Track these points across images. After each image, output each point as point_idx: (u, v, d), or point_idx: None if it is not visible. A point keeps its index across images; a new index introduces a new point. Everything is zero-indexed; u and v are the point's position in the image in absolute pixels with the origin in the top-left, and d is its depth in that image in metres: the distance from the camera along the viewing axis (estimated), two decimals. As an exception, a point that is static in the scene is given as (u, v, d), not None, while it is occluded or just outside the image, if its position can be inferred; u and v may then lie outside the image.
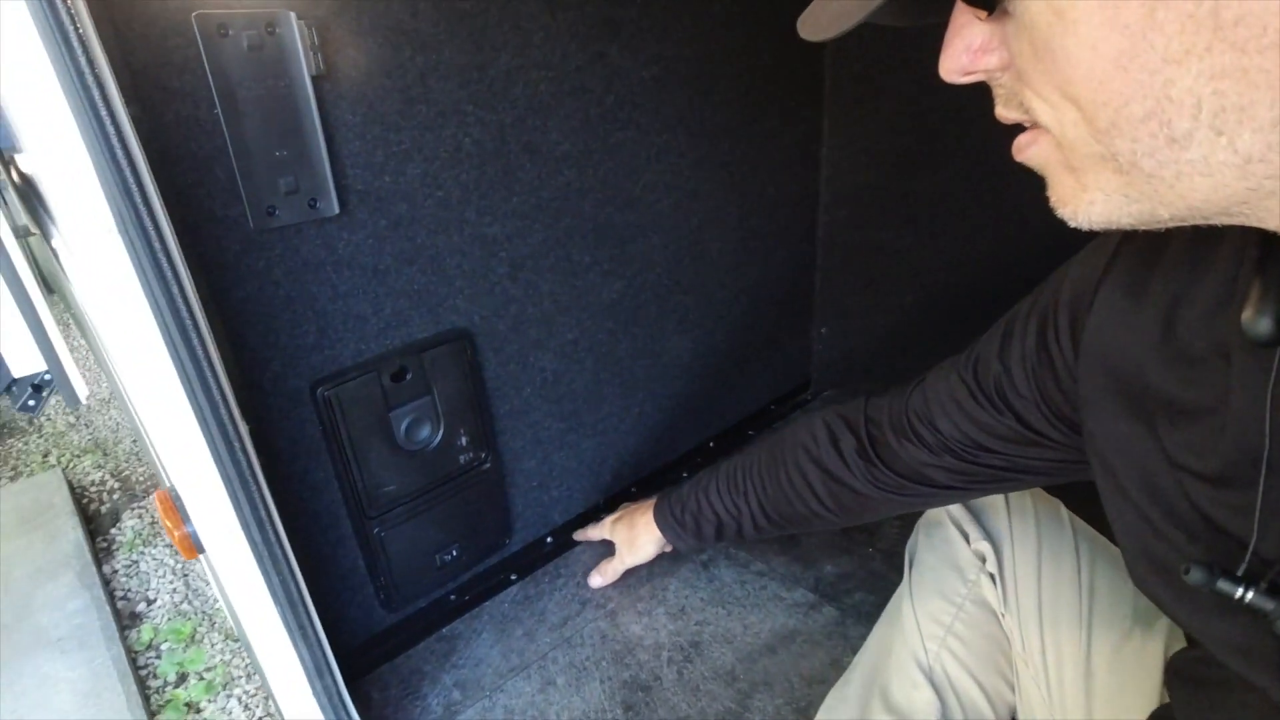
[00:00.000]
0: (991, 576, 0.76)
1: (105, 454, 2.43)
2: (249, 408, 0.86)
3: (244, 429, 0.72)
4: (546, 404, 1.19)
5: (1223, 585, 0.38)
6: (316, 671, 0.84)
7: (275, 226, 0.83)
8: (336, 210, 0.87)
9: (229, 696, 1.58)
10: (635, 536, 1.12)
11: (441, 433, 1.03)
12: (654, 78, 1.15)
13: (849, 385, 1.75)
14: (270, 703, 1.53)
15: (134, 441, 2.47)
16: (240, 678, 1.63)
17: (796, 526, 0.90)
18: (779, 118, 1.38)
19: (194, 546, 0.88)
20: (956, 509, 0.80)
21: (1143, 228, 0.36)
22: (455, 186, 0.99)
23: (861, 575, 1.20)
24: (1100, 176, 0.35)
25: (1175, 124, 0.30)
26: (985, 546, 0.76)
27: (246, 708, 1.55)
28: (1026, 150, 0.40)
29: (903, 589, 0.83)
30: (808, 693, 1.00)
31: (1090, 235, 0.40)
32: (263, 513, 0.74)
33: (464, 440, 1.07)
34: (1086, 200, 0.36)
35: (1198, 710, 0.49)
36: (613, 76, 1.10)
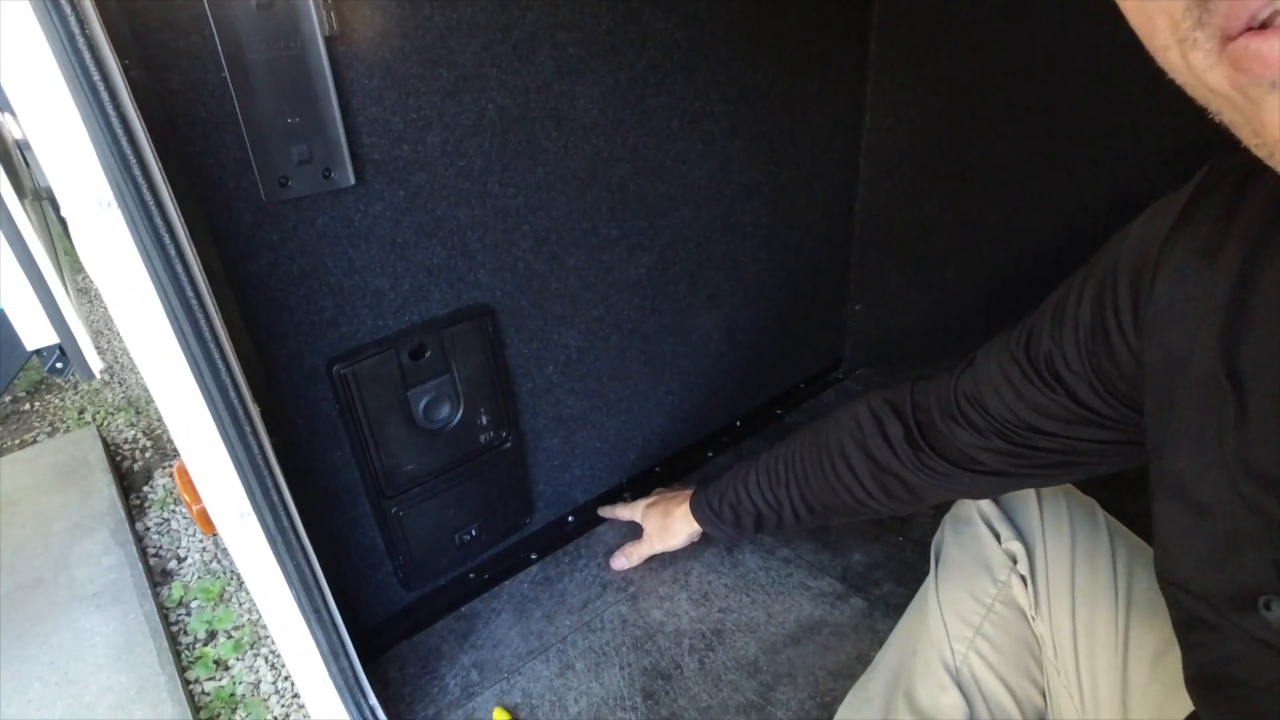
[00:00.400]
0: (1023, 578, 0.72)
1: (138, 412, 2.46)
2: (263, 386, 0.83)
3: (254, 410, 0.69)
4: (570, 382, 1.15)
5: None
6: (332, 654, 0.82)
7: (289, 198, 0.79)
8: (353, 181, 0.83)
9: (256, 655, 1.61)
10: (669, 524, 1.09)
11: (461, 412, 1.00)
12: (688, 39, 1.08)
13: (882, 365, 1.69)
14: (296, 664, 1.56)
15: (165, 402, 2.51)
16: (267, 638, 1.65)
17: (840, 516, 0.87)
18: (820, 83, 1.30)
19: (212, 522, 0.87)
20: (987, 505, 0.76)
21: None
22: (478, 156, 0.94)
23: (891, 565, 1.16)
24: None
25: None
26: (1017, 546, 0.72)
27: (273, 667, 1.57)
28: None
29: (928, 585, 0.80)
30: (833, 687, 0.97)
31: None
32: (274, 496, 0.72)
33: (484, 419, 1.04)
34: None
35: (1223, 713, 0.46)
36: (644, 38, 1.04)
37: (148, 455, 2.28)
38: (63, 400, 2.60)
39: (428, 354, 0.95)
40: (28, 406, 2.60)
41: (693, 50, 1.10)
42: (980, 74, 1.36)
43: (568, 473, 1.22)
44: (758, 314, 1.41)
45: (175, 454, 2.25)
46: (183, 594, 1.76)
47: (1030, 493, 0.75)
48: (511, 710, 0.96)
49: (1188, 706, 0.59)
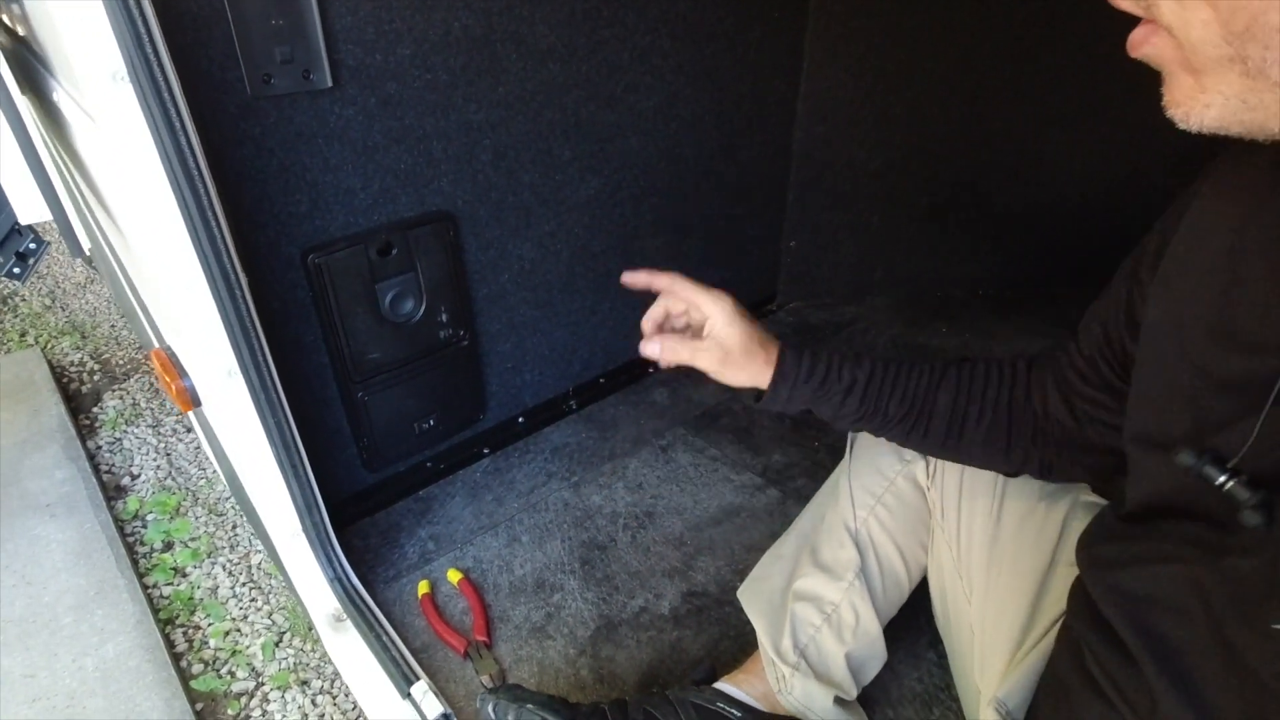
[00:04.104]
0: (924, 455, 0.84)
1: (84, 336, 2.46)
2: (246, 267, 0.92)
3: (244, 278, 0.78)
4: (523, 291, 1.26)
5: (1209, 470, 0.41)
6: (306, 508, 0.93)
7: (271, 94, 0.87)
8: (330, 83, 0.91)
9: (214, 564, 1.68)
10: (742, 356, 0.71)
11: (424, 308, 1.10)
12: (641, -24, 1.18)
13: (813, 300, 1.84)
14: (253, 571, 1.64)
15: (113, 326, 2.50)
16: (224, 548, 1.72)
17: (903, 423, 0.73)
18: (762, 28, 1.41)
19: (191, 399, 0.96)
20: None
21: (1248, 137, 0.36)
22: (443, 71, 1.02)
23: (806, 465, 1.31)
24: (1223, 79, 0.35)
25: None
26: None
27: (230, 574, 1.65)
28: (1141, 46, 0.39)
29: (843, 465, 0.91)
30: (746, 557, 1.12)
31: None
32: (259, 356, 0.81)
33: (444, 317, 1.14)
34: (1203, 102, 0.36)
35: (1115, 580, 0.53)
36: (600, -29, 1.13)
37: (96, 378, 2.28)
38: (2, 323, 2.57)
39: (394, 252, 1.04)
40: (-36, 327, 2.55)
41: (644, -13, 1.19)
42: (911, 28, 1.49)
43: (519, 376, 1.33)
44: (698, 243, 1.54)
45: (126, 376, 2.27)
46: (138, 507, 1.81)
47: None
48: (464, 572, 1.09)
49: (1044, 555, 0.72)
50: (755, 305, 1.80)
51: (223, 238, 0.74)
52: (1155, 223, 0.54)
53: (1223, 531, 0.44)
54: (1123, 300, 0.57)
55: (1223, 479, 0.41)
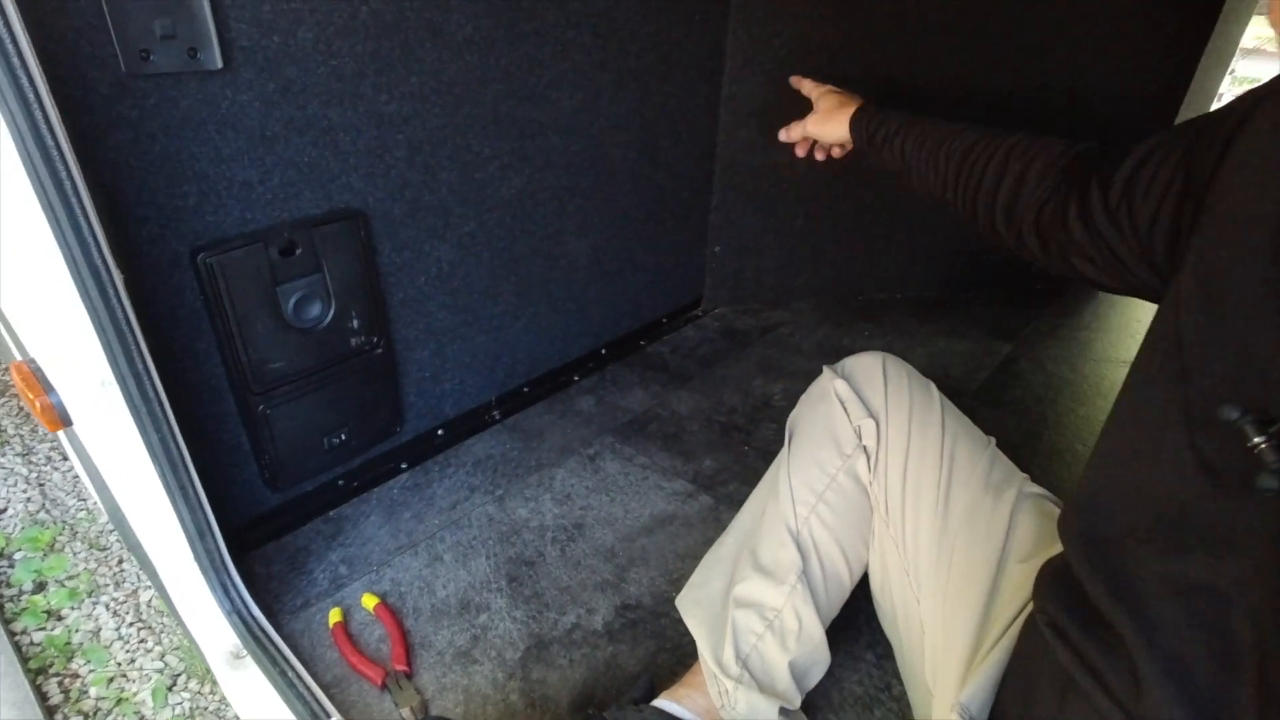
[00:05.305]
0: (865, 450, 0.82)
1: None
2: (123, 264, 0.82)
3: (118, 276, 0.70)
4: (442, 295, 1.19)
5: (1248, 428, 0.41)
6: (198, 534, 0.83)
7: (150, 73, 0.78)
8: (220, 65, 0.83)
9: (95, 603, 1.53)
10: (834, 115, 1.02)
11: (332, 312, 1.02)
12: (561, -31, 1.14)
13: (739, 304, 1.84)
14: (142, 610, 1.50)
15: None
16: (108, 585, 1.57)
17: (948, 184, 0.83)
18: (685, 29, 1.40)
19: (58, 417, 0.85)
20: (841, 385, 0.86)
21: None
22: (350, 58, 0.95)
23: (737, 469, 1.29)
24: None
25: None
26: (867, 423, 0.83)
27: (115, 614, 1.50)
28: None
29: (781, 458, 0.89)
30: (680, 566, 1.08)
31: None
32: (139, 364, 0.72)
33: (355, 323, 1.06)
34: None
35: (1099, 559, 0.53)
36: (519, -38, 1.08)
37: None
38: None
39: (298, 251, 0.96)
40: None
41: (565, -20, 1.16)
42: (831, 33, 1.51)
43: (438, 385, 1.26)
44: (623, 247, 1.50)
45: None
46: (4, 545, 1.63)
47: (879, 374, 0.86)
48: (381, 596, 1.01)
49: (995, 549, 0.71)
50: (681, 310, 1.78)
51: (90, 229, 0.65)
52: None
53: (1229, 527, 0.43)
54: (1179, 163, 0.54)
55: (1258, 440, 0.40)
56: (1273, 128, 0.46)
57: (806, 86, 1.14)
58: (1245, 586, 0.43)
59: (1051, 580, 0.57)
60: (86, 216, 0.65)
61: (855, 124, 0.99)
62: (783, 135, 1.11)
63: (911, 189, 0.91)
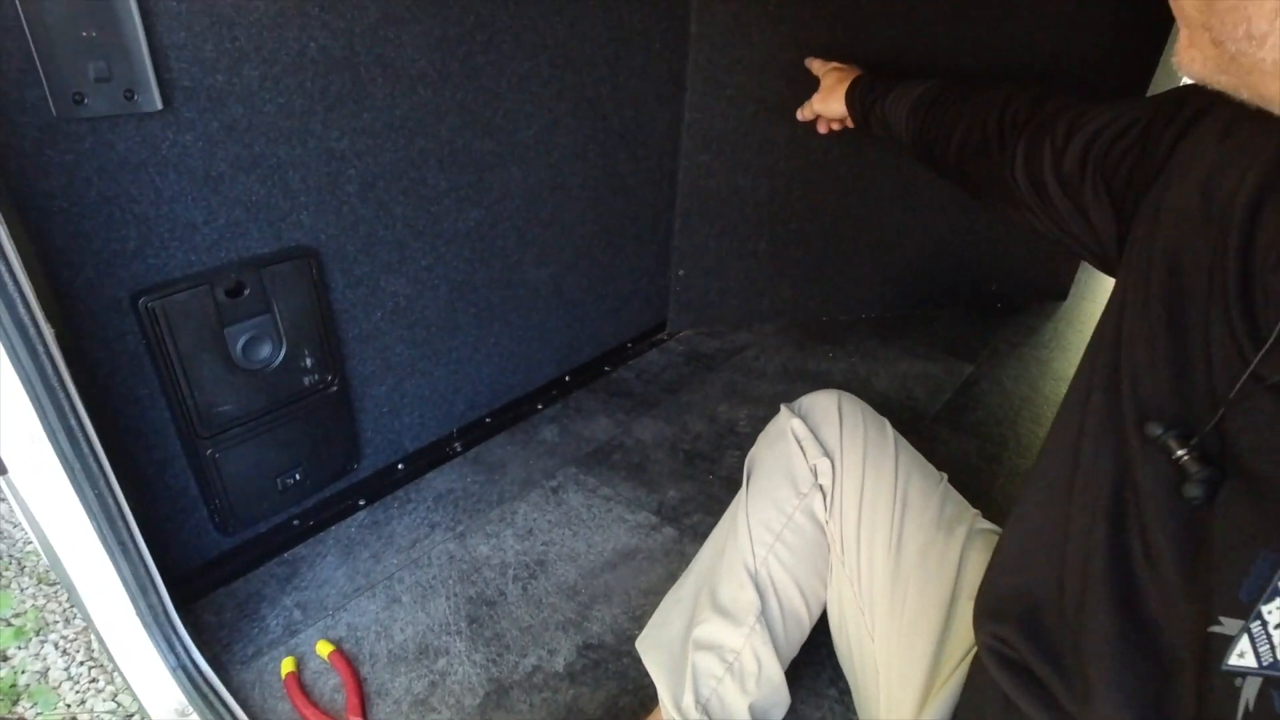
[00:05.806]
0: (821, 489, 0.83)
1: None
2: (55, 314, 0.79)
3: (48, 331, 0.67)
4: (398, 329, 1.17)
5: (1171, 442, 0.43)
6: (140, 590, 0.81)
7: (84, 116, 0.76)
8: (159, 106, 0.81)
9: (44, 642, 1.47)
10: (835, 91, 1.15)
11: (284, 352, 1.00)
12: (516, 0, 1.13)
13: (703, 327, 1.84)
14: (94, 647, 1.45)
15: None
16: (57, 623, 1.51)
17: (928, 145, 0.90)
18: (644, 57, 1.40)
19: (-6, 466, 0.82)
20: (798, 425, 0.86)
21: (1230, 95, 0.39)
22: (299, 95, 0.94)
23: (701, 499, 1.29)
24: (1202, 41, 0.38)
25: (1254, 23, 0.34)
26: (823, 463, 0.83)
27: (65, 653, 1.45)
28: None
29: (740, 497, 0.88)
30: (644, 602, 1.07)
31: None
32: (72, 421, 0.70)
33: (308, 362, 1.04)
34: (1188, 57, 0.40)
35: None
36: (471, -5, 1.08)
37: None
38: None
39: (246, 292, 0.94)
40: None
41: (520, 12, 1.15)
42: (790, 60, 1.52)
43: (397, 420, 1.24)
44: (585, 274, 1.50)
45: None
46: (-55, 584, 1.56)
47: (834, 413, 0.86)
48: (336, 643, 0.98)
49: (947, 587, 0.71)
50: (645, 334, 1.78)
51: (15, 282, 0.63)
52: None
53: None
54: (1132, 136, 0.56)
55: (1181, 452, 0.42)
56: (1217, 138, 0.48)
57: (815, 65, 1.27)
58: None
59: (992, 601, 0.58)
60: (11, 270, 0.63)
61: (849, 98, 1.11)
62: (799, 115, 1.25)
63: (912, 156, 0.98)
